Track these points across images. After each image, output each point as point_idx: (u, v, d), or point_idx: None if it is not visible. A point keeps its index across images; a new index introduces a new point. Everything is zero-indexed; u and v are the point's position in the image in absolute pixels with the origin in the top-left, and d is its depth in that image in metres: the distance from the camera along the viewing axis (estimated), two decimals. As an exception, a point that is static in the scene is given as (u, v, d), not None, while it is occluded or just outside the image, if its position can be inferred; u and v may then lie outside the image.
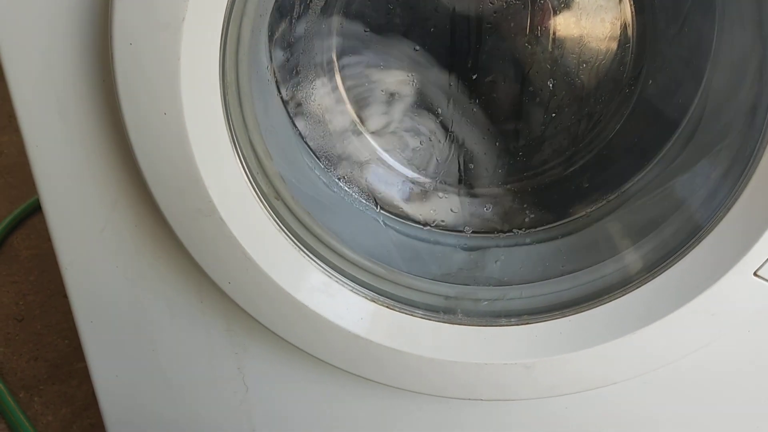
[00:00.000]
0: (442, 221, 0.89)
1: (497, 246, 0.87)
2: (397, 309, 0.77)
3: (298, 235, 0.75)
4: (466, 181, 0.91)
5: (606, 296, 0.74)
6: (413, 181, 0.91)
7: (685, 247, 0.70)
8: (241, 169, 0.69)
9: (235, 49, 0.67)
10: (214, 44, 0.62)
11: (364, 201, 0.88)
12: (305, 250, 0.74)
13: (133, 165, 0.67)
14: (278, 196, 0.75)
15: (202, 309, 0.80)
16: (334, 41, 0.84)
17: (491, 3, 0.80)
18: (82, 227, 0.75)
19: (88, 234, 0.76)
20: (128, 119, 0.64)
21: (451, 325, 0.77)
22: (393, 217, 0.89)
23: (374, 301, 0.77)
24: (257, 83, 0.76)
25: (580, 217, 0.84)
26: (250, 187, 0.70)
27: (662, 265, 0.71)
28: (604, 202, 0.83)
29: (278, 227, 0.73)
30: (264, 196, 0.72)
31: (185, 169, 0.66)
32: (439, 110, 0.87)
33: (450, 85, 0.86)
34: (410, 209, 0.89)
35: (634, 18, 0.82)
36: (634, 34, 0.82)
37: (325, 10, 0.81)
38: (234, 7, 0.62)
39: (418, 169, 0.91)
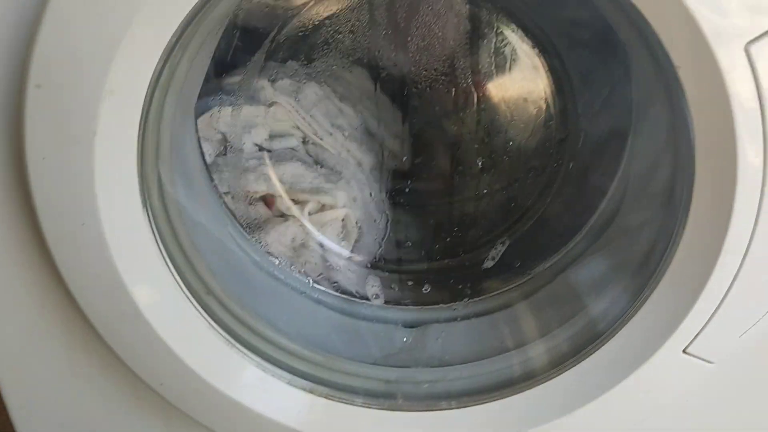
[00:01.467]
0: (382, 298, 0.88)
1: (437, 321, 0.87)
2: (336, 398, 0.76)
3: (231, 330, 0.74)
4: (404, 258, 0.91)
5: (543, 375, 0.74)
6: (350, 260, 0.91)
7: (614, 327, 0.70)
8: (168, 269, 0.69)
9: (155, 152, 0.66)
10: (129, 154, 0.62)
11: (299, 278, 0.88)
12: (238, 345, 0.73)
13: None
14: (209, 290, 0.74)
15: (139, 407, 0.78)
16: (262, 129, 0.84)
17: (415, 88, 0.81)
18: (10, 331, 0.74)
19: (16, 337, 0.74)
20: (47, 230, 0.63)
21: (392, 412, 0.76)
22: (331, 293, 0.89)
23: (312, 392, 0.75)
24: (185, 177, 0.76)
25: (512, 292, 0.84)
26: (177, 286, 0.70)
27: (594, 344, 0.71)
28: (532, 276, 0.84)
29: (209, 325, 0.72)
30: (194, 293, 0.71)
31: (107, 276, 0.65)
32: (372, 193, 0.88)
33: (381, 166, 0.87)
34: (349, 288, 0.89)
35: (555, 97, 0.84)
36: (557, 112, 0.84)
37: (251, 101, 0.81)
38: (149, 114, 0.62)
39: (354, 248, 0.91)
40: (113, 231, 0.63)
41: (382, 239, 0.90)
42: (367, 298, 0.88)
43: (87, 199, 0.61)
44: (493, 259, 0.88)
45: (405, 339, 0.83)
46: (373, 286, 0.88)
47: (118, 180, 0.62)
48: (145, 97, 0.60)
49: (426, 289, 0.89)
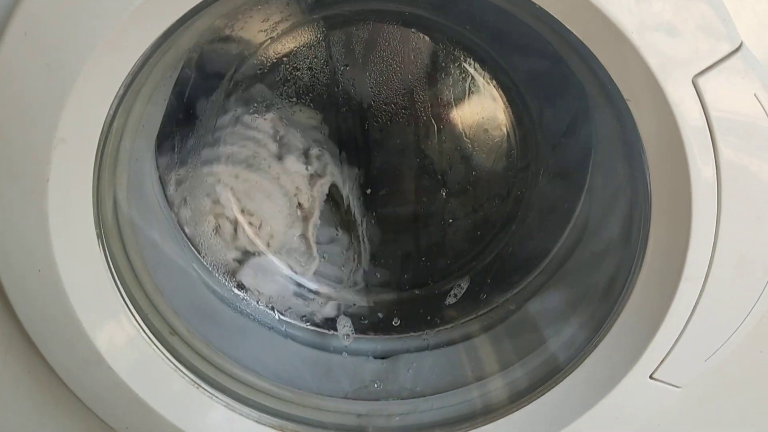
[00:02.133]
0: (352, 329, 0.88)
1: (408, 351, 0.86)
2: (306, 435, 0.75)
3: (197, 370, 0.73)
4: (373, 290, 0.90)
5: (512, 405, 0.74)
6: (318, 293, 0.90)
7: (579, 355, 0.70)
8: (129, 312, 0.68)
9: (112, 194, 0.66)
10: (84, 199, 0.61)
11: (266, 311, 0.87)
12: (205, 385, 0.73)
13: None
14: (173, 331, 0.73)
15: (107, 452, 0.77)
16: (221, 166, 0.83)
17: (376, 122, 0.81)
18: (-28, 379, 0.72)
19: (-21, 385, 0.73)
20: (4, 278, 0.63)
21: (363, 447, 0.76)
22: (300, 326, 0.88)
23: (281, 429, 0.75)
24: (145, 217, 0.75)
25: (481, 320, 0.84)
26: (139, 329, 0.69)
27: (562, 372, 0.71)
28: (497, 306, 0.84)
29: (173, 367, 0.71)
30: (157, 334, 0.71)
31: (66, 323, 0.64)
32: (338, 229, 0.88)
33: (345, 200, 0.86)
34: (318, 320, 0.88)
35: (516, 129, 0.84)
36: (518, 142, 0.84)
37: (210, 143, 0.81)
38: (103, 158, 0.62)
39: (323, 280, 0.91)
40: (70, 277, 0.62)
41: (351, 271, 0.90)
42: (336, 331, 0.88)
43: (42, 245, 0.60)
44: (455, 296, 0.88)
45: (377, 385, 0.82)
46: (344, 326, 0.88)
47: (74, 226, 0.61)
48: (99, 142, 0.59)
49: (396, 322, 0.89)
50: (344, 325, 0.87)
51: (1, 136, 0.57)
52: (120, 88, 0.56)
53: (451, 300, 0.88)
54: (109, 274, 0.66)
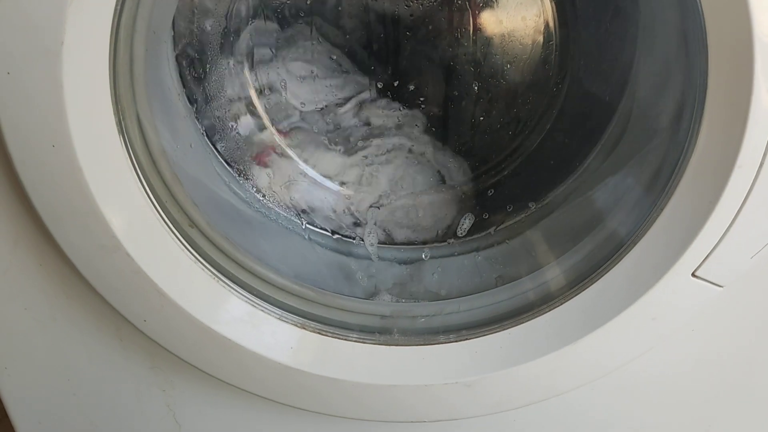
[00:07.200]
0: (374, 235, 0.85)
1: (432, 257, 0.84)
2: (330, 334, 0.73)
3: (216, 264, 0.70)
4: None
5: (545, 305, 0.71)
6: (340, 195, 0.87)
7: (620, 252, 0.67)
8: (147, 198, 0.65)
9: (128, 69, 0.62)
10: (101, 67, 0.57)
11: (289, 217, 0.84)
12: (225, 278, 0.70)
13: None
14: (192, 223, 0.70)
15: (122, 347, 0.75)
16: (246, 53, 0.79)
17: (407, 5, 0.76)
18: (-17, 270, 0.69)
19: (-10, 276, 0.70)
20: (14, 154, 0.59)
21: (388, 347, 0.73)
22: (322, 232, 0.85)
23: (303, 327, 0.72)
24: (162, 103, 0.71)
25: (512, 224, 0.81)
26: (158, 217, 0.66)
27: (599, 271, 0.68)
28: (536, 208, 0.80)
29: (193, 258, 0.68)
30: (176, 224, 0.68)
31: (82, 203, 0.60)
32: (364, 119, 0.83)
33: (372, 92, 0.82)
34: (340, 224, 0.85)
35: (556, 15, 0.79)
36: (557, 31, 0.79)
37: (234, 19, 0.76)
38: (120, 26, 0.57)
39: (346, 182, 0.87)
40: (86, 154, 0.59)
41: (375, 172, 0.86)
42: (360, 237, 0.85)
43: (57, 117, 0.57)
44: (462, 230, 0.84)
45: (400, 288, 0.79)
46: (371, 242, 0.84)
47: (90, 97, 0.58)
48: (116, 3, 0.55)
49: (419, 222, 0.85)
50: (370, 235, 0.83)
51: (12, -9, 0.52)
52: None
53: (460, 233, 0.84)
54: (127, 155, 0.62)
